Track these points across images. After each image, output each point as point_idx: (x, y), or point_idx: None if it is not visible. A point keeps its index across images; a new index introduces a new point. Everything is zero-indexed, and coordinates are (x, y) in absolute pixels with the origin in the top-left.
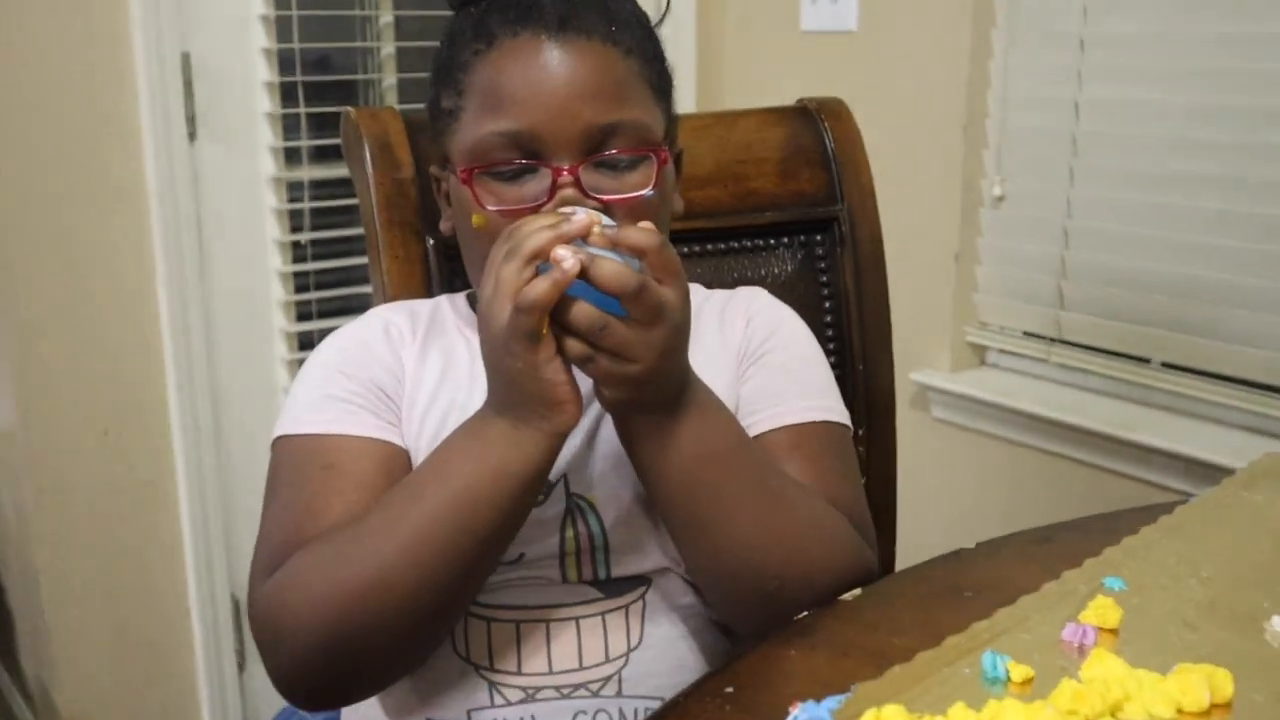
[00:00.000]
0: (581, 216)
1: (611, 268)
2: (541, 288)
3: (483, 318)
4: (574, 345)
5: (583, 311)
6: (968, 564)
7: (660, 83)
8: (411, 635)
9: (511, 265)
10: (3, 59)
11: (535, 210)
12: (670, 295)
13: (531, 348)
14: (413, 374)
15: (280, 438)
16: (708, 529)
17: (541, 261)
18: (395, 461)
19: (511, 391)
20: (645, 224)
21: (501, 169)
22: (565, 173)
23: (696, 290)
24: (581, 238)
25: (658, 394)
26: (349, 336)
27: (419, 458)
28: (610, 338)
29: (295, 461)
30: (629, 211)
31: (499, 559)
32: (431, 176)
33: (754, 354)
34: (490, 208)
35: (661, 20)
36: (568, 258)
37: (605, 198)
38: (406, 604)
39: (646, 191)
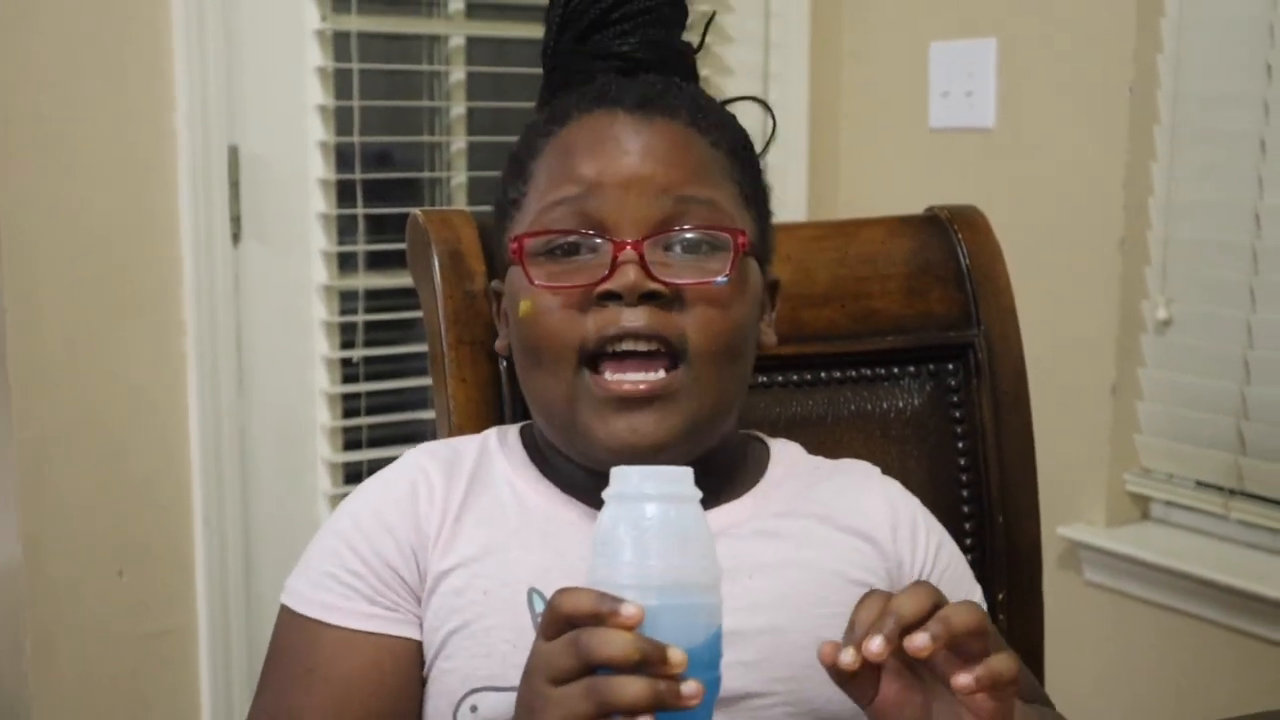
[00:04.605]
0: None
1: None
2: None
3: (525, 700)
4: None
5: None
6: None
7: (751, 190)
8: None
9: (582, 698)
10: (36, 140)
11: (589, 290)
12: None
13: None
14: (445, 543)
15: (283, 605)
16: None
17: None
18: (386, 659)
19: None
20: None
21: (556, 242)
22: (628, 247)
23: (793, 453)
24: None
25: None
26: (368, 498)
27: (446, 639)
28: None
29: (284, 647)
30: (697, 299)
31: None
32: (492, 292)
33: (925, 573)
34: (539, 283)
35: (768, 145)
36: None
37: (671, 280)
38: None
39: (719, 278)
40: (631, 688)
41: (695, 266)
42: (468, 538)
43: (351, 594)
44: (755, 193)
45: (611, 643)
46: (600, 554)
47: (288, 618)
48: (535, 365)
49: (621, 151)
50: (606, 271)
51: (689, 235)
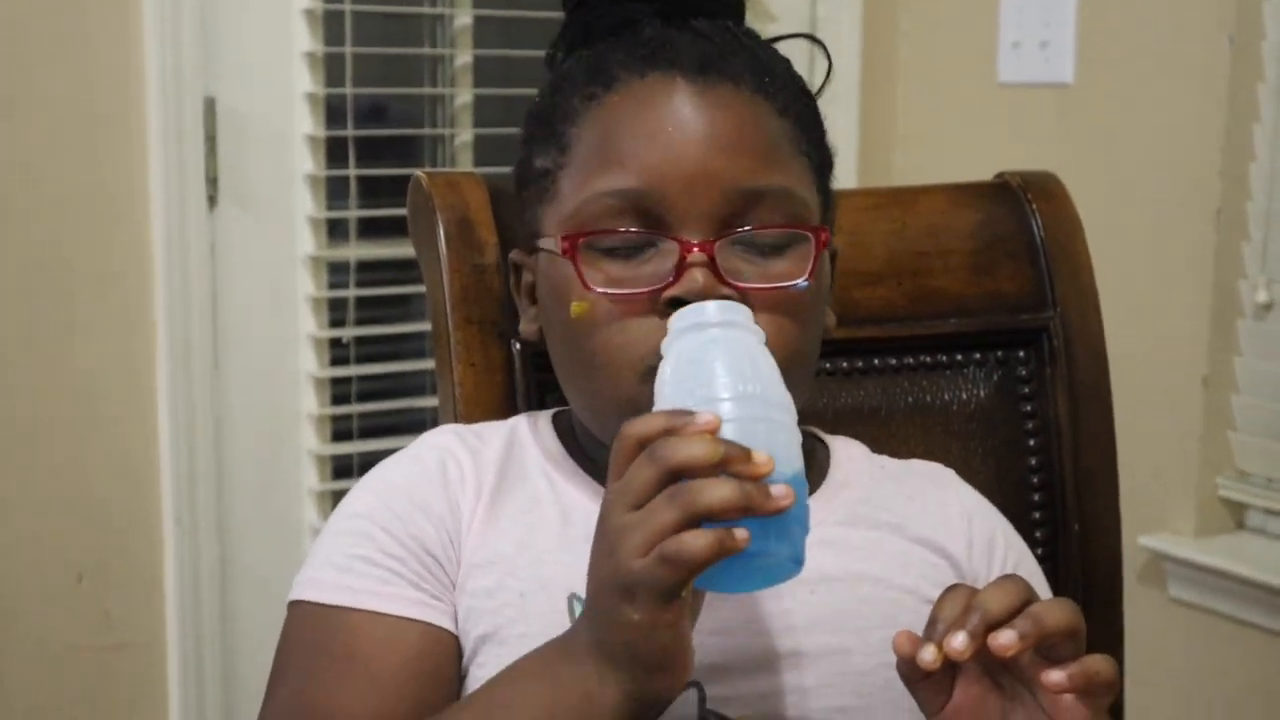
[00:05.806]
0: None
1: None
2: (702, 545)
3: (604, 540)
4: None
5: None
6: None
7: (819, 158)
8: None
9: (665, 507)
10: None
11: (653, 295)
12: None
13: (664, 606)
14: (477, 534)
15: (297, 602)
16: None
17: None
18: (434, 649)
19: (614, 641)
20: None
21: (613, 241)
22: (696, 249)
23: (855, 453)
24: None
25: None
26: (393, 478)
27: (477, 645)
28: None
29: (311, 639)
30: (773, 306)
31: None
32: (511, 265)
33: None
34: (597, 289)
35: (822, 88)
36: (741, 532)
37: (745, 285)
38: None
39: (799, 282)
40: (719, 489)
41: (768, 269)
42: (500, 531)
43: (392, 577)
44: (822, 162)
45: (691, 444)
46: (659, 399)
47: (304, 614)
48: (587, 372)
49: (684, 137)
50: (672, 275)
51: (765, 234)
